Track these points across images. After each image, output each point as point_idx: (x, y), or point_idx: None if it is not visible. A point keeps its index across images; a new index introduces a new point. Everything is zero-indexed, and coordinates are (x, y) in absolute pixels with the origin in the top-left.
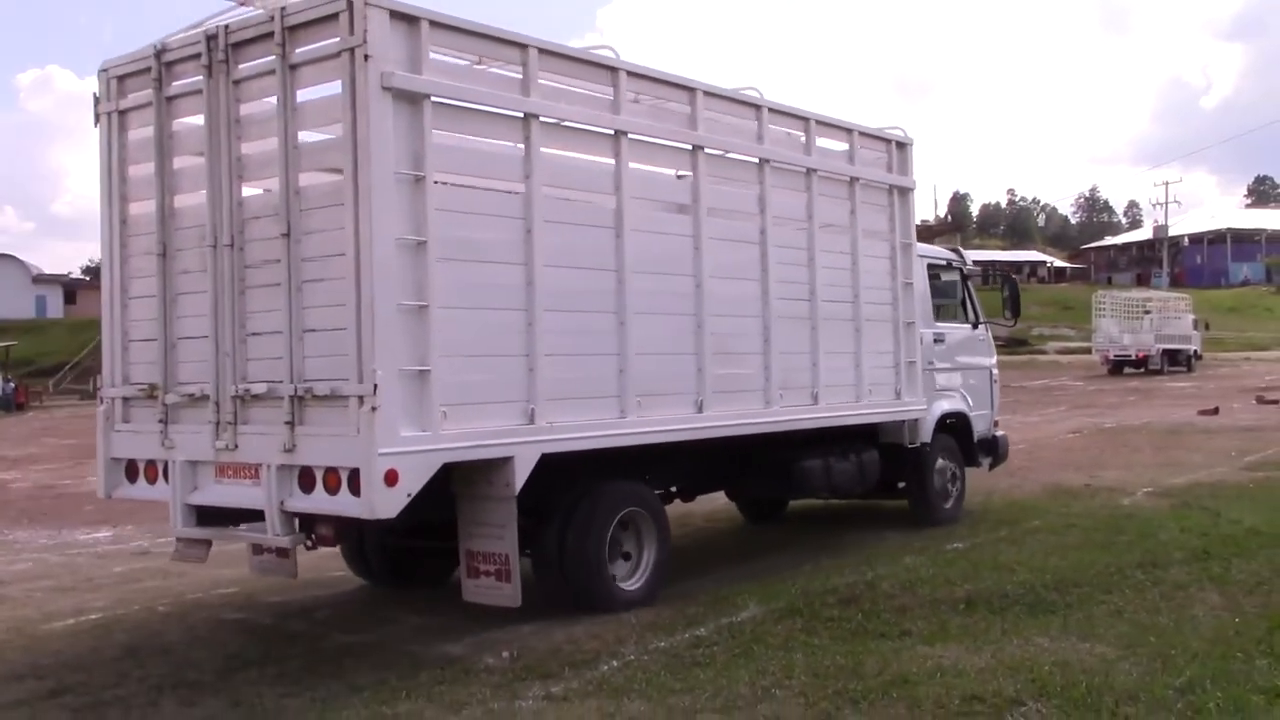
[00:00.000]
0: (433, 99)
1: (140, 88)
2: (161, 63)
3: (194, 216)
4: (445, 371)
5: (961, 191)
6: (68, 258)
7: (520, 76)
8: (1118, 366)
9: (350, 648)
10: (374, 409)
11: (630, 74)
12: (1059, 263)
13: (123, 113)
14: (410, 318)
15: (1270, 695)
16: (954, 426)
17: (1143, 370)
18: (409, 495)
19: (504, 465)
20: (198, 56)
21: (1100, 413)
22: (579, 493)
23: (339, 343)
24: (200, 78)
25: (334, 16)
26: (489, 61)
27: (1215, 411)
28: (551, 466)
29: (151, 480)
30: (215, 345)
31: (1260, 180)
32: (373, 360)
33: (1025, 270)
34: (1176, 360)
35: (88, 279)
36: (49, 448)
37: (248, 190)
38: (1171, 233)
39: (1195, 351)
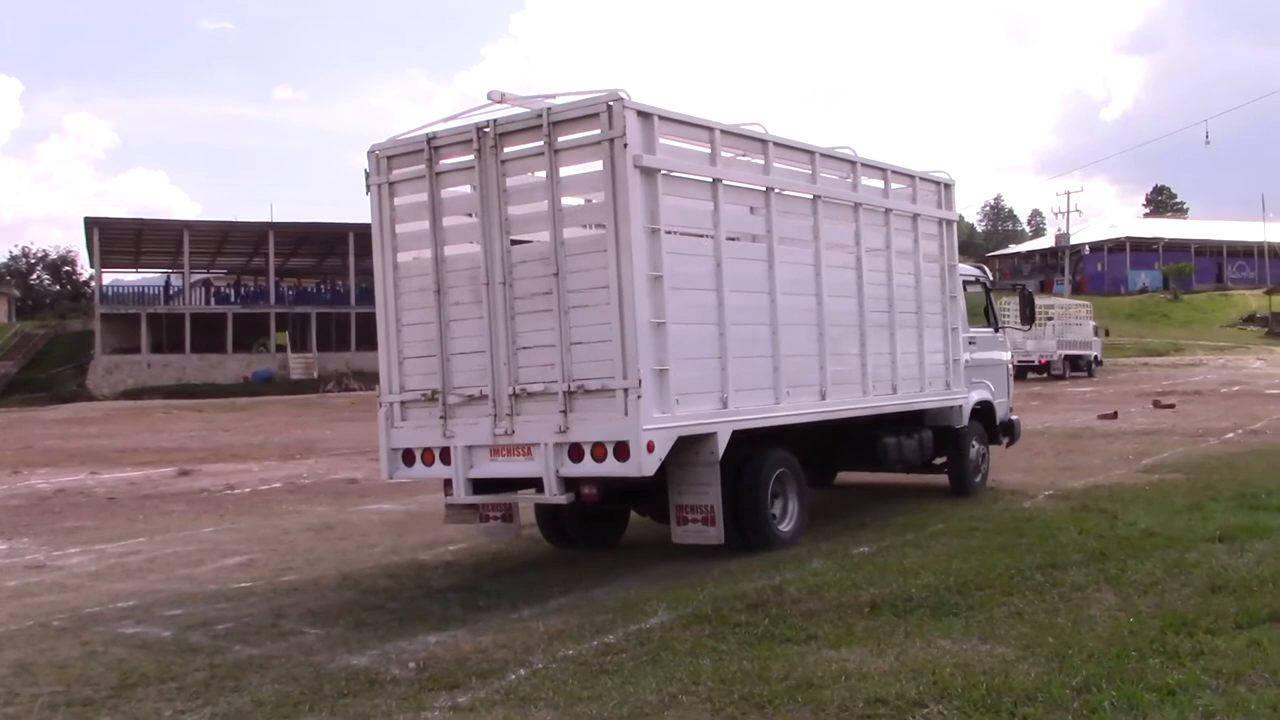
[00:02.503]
0: (662, 172)
1: (408, 164)
2: (432, 146)
3: (465, 262)
4: (676, 370)
5: None
6: None
7: (709, 150)
8: (1021, 372)
9: (252, 661)
10: (638, 398)
11: (775, 144)
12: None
13: (391, 184)
14: (655, 332)
15: (1162, 693)
16: (982, 412)
17: (1045, 376)
18: (659, 460)
19: (710, 438)
20: (468, 142)
21: None
22: (747, 458)
23: (603, 351)
24: (470, 158)
25: (594, 115)
26: (690, 140)
27: (1114, 416)
28: (730, 439)
29: (429, 463)
30: (491, 357)
31: (1158, 190)
32: (636, 362)
33: None
34: (1078, 366)
35: None
36: None
37: (523, 236)
38: (1073, 241)
39: (1096, 357)
